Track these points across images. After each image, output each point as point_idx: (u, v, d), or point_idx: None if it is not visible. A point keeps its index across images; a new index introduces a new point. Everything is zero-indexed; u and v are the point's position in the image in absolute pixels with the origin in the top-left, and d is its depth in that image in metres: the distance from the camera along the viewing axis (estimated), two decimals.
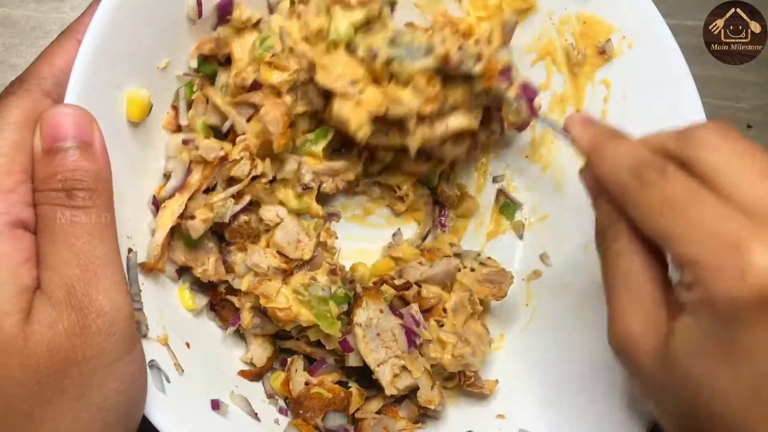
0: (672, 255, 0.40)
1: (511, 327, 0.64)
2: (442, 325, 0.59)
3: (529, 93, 0.55)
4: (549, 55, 0.63)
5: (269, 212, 0.56)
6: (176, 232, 0.54)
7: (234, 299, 0.57)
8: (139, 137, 0.52)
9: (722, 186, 0.39)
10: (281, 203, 0.57)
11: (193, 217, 0.53)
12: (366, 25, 0.54)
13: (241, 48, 0.55)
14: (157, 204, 0.53)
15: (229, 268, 0.56)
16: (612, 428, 0.54)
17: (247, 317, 0.57)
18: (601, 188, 0.46)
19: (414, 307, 0.58)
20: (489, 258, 0.64)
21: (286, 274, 0.57)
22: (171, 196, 0.53)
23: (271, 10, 0.58)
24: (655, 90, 0.58)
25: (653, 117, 0.58)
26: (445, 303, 0.60)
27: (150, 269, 0.52)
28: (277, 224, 0.56)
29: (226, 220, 0.54)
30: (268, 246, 0.57)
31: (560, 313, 0.62)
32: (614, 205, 0.44)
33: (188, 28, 0.54)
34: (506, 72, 0.54)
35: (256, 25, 0.57)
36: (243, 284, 0.56)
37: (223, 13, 0.55)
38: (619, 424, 0.54)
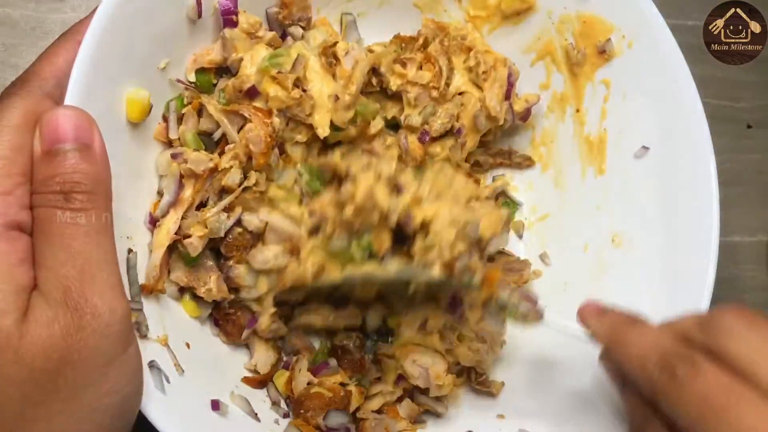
0: None
1: (512, 327, 0.64)
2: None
3: (530, 300, 0.54)
4: (549, 55, 0.63)
5: (251, 223, 0.54)
6: (174, 251, 0.53)
7: (253, 304, 0.56)
8: (139, 137, 0.52)
9: (758, 379, 0.37)
10: (270, 201, 0.55)
11: (189, 236, 0.52)
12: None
13: (251, 60, 0.54)
14: (153, 222, 0.53)
15: (232, 283, 0.55)
16: (611, 429, 0.54)
17: (266, 322, 0.56)
18: (626, 379, 0.44)
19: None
20: (503, 249, 0.64)
21: (296, 252, 0.55)
22: (165, 213, 0.52)
23: (284, 33, 0.59)
24: (655, 90, 0.58)
25: (653, 117, 0.59)
26: None
27: (150, 291, 0.51)
28: (266, 228, 0.54)
29: (222, 234, 0.53)
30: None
31: (560, 313, 0.62)
32: (643, 397, 0.42)
33: (188, 28, 0.54)
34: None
35: (271, 44, 0.57)
36: (261, 287, 0.55)
37: (227, 15, 0.55)
38: (619, 425, 0.54)
